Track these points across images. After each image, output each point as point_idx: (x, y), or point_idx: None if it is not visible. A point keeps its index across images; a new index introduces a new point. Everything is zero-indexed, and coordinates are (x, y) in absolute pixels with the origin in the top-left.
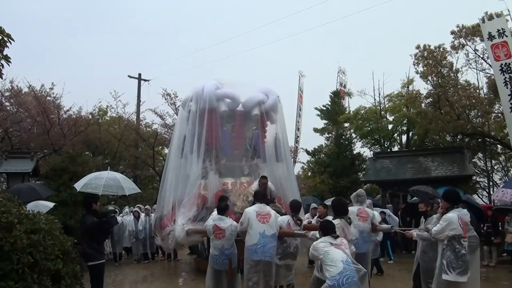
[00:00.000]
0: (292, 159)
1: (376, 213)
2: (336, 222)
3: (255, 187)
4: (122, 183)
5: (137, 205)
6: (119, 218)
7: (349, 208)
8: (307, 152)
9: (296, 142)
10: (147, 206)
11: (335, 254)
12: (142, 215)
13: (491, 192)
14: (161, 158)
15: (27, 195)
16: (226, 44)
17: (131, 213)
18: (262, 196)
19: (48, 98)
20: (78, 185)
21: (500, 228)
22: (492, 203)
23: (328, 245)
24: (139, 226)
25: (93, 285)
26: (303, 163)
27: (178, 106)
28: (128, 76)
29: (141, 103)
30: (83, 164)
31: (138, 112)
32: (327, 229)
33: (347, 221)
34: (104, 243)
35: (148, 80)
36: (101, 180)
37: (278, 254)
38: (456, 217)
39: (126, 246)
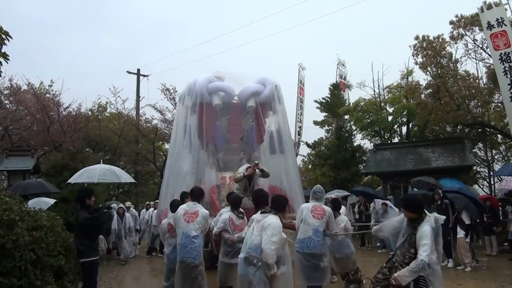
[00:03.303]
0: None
1: (344, 217)
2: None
3: (242, 170)
4: (117, 172)
5: (121, 204)
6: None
7: (304, 204)
8: (307, 145)
9: (299, 135)
10: (152, 206)
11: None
12: (134, 211)
13: (492, 182)
14: (162, 153)
15: (35, 188)
16: (226, 38)
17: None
18: (196, 193)
19: (47, 95)
20: (73, 179)
21: (500, 218)
22: (493, 193)
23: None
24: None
25: (84, 283)
26: (303, 155)
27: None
28: (127, 71)
29: (140, 98)
30: (84, 161)
31: (137, 107)
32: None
33: (237, 215)
34: (103, 239)
35: (147, 76)
36: (95, 170)
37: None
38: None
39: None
